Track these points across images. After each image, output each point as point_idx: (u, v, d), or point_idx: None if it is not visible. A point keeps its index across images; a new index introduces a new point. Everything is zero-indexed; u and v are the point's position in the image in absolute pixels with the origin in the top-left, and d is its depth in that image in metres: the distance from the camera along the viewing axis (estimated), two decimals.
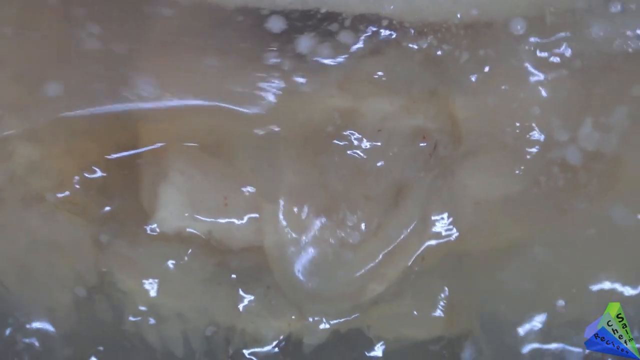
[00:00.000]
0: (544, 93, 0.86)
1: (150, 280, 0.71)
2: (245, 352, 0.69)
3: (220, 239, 0.73)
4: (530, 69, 0.88)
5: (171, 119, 0.77)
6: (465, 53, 0.89)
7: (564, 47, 0.89)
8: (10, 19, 0.76)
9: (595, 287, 0.74)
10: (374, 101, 0.75)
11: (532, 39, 0.90)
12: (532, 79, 0.87)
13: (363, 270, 0.73)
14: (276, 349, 0.70)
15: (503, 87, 0.84)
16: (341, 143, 0.75)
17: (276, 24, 0.86)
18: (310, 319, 0.69)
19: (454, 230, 0.75)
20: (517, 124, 0.82)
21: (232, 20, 0.89)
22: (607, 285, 0.75)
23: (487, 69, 0.85)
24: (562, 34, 0.89)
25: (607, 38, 0.81)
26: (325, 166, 0.77)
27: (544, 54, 0.89)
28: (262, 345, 0.69)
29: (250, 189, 0.76)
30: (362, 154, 0.74)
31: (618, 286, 0.74)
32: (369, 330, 0.69)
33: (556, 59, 0.88)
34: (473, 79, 0.85)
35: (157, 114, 0.76)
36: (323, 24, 0.77)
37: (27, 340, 0.69)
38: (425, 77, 0.85)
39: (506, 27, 0.91)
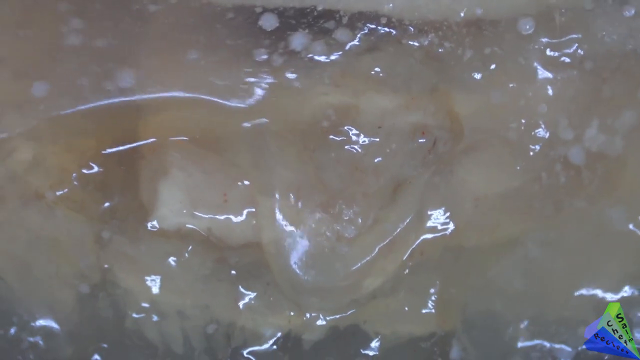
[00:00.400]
0: (550, 91, 0.86)
1: (152, 277, 0.71)
2: (245, 348, 0.70)
3: (220, 235, 0.74)
4: (536, 66, 0.88)
5: (166, 114, 0.77)
6: (468, 51, 0.89)
7: (574, 47, 0.89)
8: (8, 18, 0.76)
9: (588, 287, 0.75)
10: (372, 98, 0.75)
11: (540, 39, 0.90)
12: (538, 77, 0.87)
13: (359, 264, 0.73)
14: (275, 346, 0.70)
15: (506, 85, 0.84)
16: (338, 139, 0.75)
17: (269, 22, 0.86)
18: (309, 315, 0.70)
19: (451, 225, 0.76)
20: (523, 121, 0.82)
21: (223, 17, 0.89)
22: (599, 285, 0.76)
23: (492, 66, 0.86)
24: (573, 35, 0.89)
25: (619, 40, 0.81)
26: (322, 161, 0.77)
27: (553, 54, 0.89)
28: (262, 342, 0.70)
29: (248, 184, 0.77)
30: (360, 150, 0.74)
31: (610, 287, 0.75)
32: (366, 326, 0.70)
33: (565, 59, 0.88)
34: (476, 76, 0.85)
35: (152, 109, 0.76)
36: (319, 22, 0.77)
37: (31, 339, 0.70)
38: (425, 74, 0.85)
39: (511, 25, 0.91)
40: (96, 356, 0.70)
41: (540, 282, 0.73)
